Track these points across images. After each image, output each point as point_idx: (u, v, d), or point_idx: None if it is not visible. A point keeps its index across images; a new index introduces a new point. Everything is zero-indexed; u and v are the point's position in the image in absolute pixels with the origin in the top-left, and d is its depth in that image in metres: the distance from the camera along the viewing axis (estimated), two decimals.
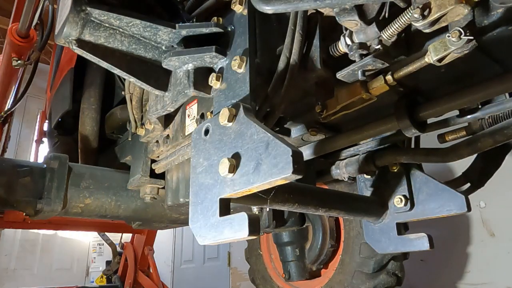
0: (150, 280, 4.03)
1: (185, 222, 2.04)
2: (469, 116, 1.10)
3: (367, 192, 1.35)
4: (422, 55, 0.86)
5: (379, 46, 0.89)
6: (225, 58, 1.04)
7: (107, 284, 4.71)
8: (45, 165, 1.60)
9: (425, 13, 0.74)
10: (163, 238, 6.16)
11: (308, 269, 2.47)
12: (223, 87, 1.00)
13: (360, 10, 0.88)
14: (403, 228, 1.26)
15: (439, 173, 2.07)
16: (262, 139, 0.77)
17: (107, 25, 1.04)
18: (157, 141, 1.50)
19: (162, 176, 1.63)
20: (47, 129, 2.64)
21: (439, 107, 1.02)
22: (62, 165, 1.60)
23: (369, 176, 1.35)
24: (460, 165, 1.30)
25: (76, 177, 1.64)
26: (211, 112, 1.19)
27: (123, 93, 1.65)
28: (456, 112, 1.12)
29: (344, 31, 0.94)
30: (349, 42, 0.93)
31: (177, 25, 1.08)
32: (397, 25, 0.84)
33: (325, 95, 1.09)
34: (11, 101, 2.93)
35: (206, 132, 0.92)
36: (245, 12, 1.01)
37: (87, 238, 7.23)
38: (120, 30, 1.06)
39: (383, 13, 0.89)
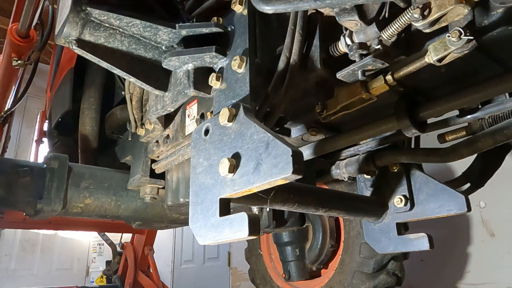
0: (150, 280, 4.03)
1: (185, 222, 2.04)
2: (469, 116, 1.10)
3: (367, 192, 1.35)
4: (422, 55, 0.86)
5: (379, 46, 0.89)
6: (225, 58, 1.04)
7: (107, 284, 4.70)
8: (45, 165, 1.60)
9: (425, 13, 0.74)
10: (163, 238, 6.15)
11: (308, 269, 2.47)
12: (223, 87, 1.00)
13: (360, 10, 0.88)
14: (403, 228, 1.26)
15: (439, 173, 2.07)
16: (262, 139, 0.77)
17: (107, 25, 1.04)
18: (157, 141, 1.50)
19: (162, 176, 1.63)
20: (47, 129, 2.65)
21: (439, 107, 1.02)
22: (62, 165, 1.60)
23: (369, 176, 1.35)
24: (460, 165, 1.30)
25: (76, 177, 1.64)
26: (211, 112, 1.19)
27: (123, 93, 1.65)
28: (456, 112, 1.12)
29: (344, 31, 0.94)
30: (349, 42, 0.93)
31: (177, 25, 1.08)
32: (397, 25, 0.83)
33: (325, 95, 1.09)
34: (11, 101, 2.92)
35: (206, 132, 0.92)
36: (245, 12, 1.01)
37: (87, 238, 7.22)
38: (120, 30, 1.06)
39: (383, 13, 0.89)
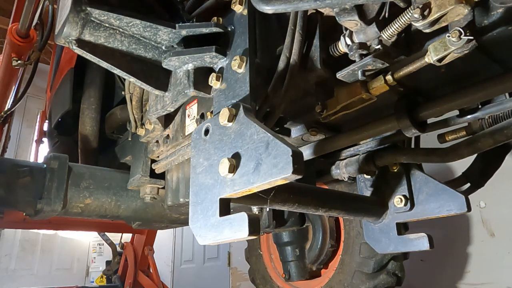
0: (150, 280, 4.03)
1: (185, 222, 2.04)
2: (469, 116, 1.10)
3: (367, 192, 1.35)
4: (422, 55, 0.86)
5: (379, 46, 0.89)
6: (225, 58, 1.04)
7: (107, 284, 4.70)
8: (45, 165, 1.60)
9: (425, 13, 0.74)
10: (163, 238, 6.15)
11: (308, 269, 2.47)
12: (223, 87, 1.00)
13: (360, 10, 0.88)
14: (403, 228, 1.26)
15: (439, 173, 2.07)
16: (262, 139, 0.77)
17: (107, 25, 1.04)
18: (157, 141, 1.50)
19: (162, 176, 1.63)
20: (47, 129, 2.64)
21: (439, 107, 1.02)
22: (62, 165, 1.60)
23: (369, 176, 1.35)
24: (460, 165, 1.30)
25: (76, 177, 1.64)
26: (211, 112, 1.19)
27: (123, 93, 1.65)
28: (456, 112, 1.12)
29: (344, 31, 0.94)
30: (349, 42, 0.93)
31: (177, 25, 1.08)
32: (397, 25, 0.83)
33: (325, 95, 1.09)
34: (11, 101, 2.92)
35: (206, 132, 0.92)
36: (245, 12, 1.01)
37: (87, 238, 7.22)
38: (120, 30, 1.06)
39: (383, 13, 0.89)
